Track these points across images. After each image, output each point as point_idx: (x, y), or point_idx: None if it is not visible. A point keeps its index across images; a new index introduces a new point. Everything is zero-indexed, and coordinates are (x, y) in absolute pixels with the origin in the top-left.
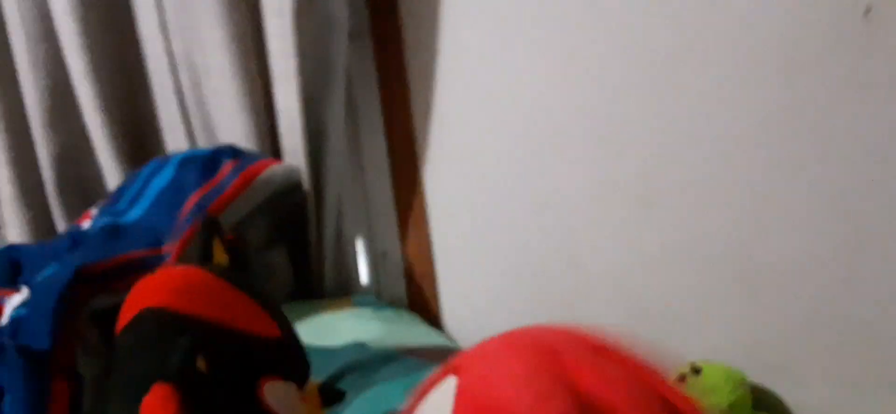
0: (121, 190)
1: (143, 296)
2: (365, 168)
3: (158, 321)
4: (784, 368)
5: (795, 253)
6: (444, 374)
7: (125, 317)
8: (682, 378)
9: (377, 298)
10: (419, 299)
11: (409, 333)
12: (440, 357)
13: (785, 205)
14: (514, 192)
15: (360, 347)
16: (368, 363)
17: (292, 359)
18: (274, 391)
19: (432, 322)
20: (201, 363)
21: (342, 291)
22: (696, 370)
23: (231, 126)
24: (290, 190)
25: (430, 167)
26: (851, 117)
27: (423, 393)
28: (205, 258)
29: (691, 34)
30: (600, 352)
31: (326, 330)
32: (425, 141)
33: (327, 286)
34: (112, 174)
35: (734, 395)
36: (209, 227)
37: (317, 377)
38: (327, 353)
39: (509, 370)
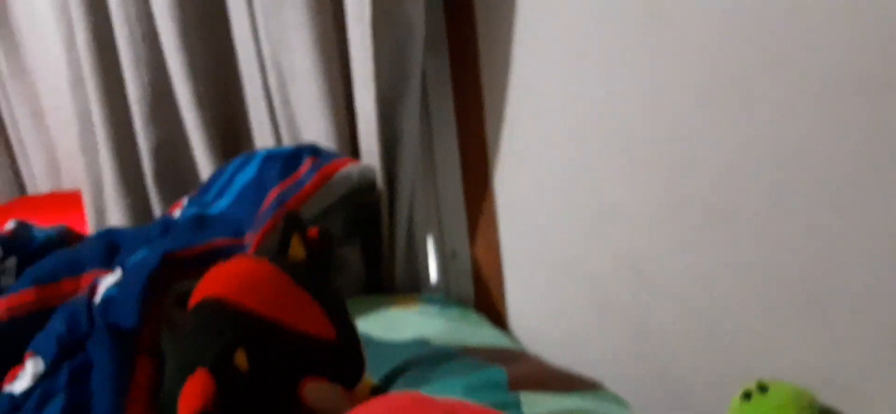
0: (209, 183)
1: (208, 284)
2: (437, 170)
3: (213, 310)
4: (854, 392)
5: (870, 277)
6: None
7: (192, 302)
8: (748, 395)
9: (445, 296)
10: (486, 300)
11: (474, 332)
12: (501, 358)
13: (861, 227)
14: (580, 201)
15: (422, 343)
16: (429, 360)
17: (344, 362)
18: (316, 392)
19: (498, 323)
20: (241, 357)
21: (412, 288)
22: (763, 388)
23: (313, 125)
24: (365, 188)
25: (500, 171)
26: None
27: None
28: (281, 252)
29: (766, 48)
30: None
31: (392, 324)
32: (496, 146)
33: (397, 283)
34: (205, 166)
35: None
36: (289, 221)
37: (379, 369)
38: (391, 346)
39: None
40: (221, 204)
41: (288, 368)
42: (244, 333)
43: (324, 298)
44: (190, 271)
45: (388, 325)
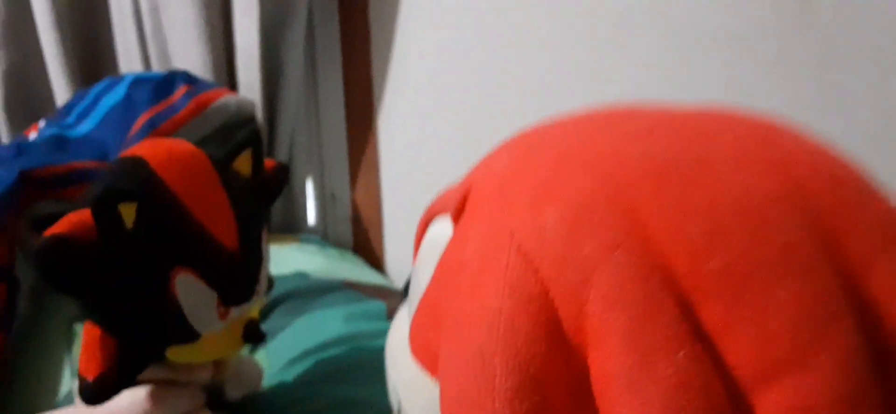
0: (70, 105)
1: (135, 148)
2: (320, 110)
3: (126, 162)
4: None
5: None
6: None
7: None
8: None
9: (323, 238)
10: (364, 244)
11: (352, 270)
12: (381, 293)
13: None
14: (461, 149)
15: (302, 276)
16: (309, 291)
17: (234, 277)
18: (186, 285)
19: (376, 267)
20: (129, 211)
21: (289, 229)
22: None
23: (188, 55)
24: (242, 122)
25: (384, 115)
26: (782, 97)
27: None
28: (226, 156)
29: (630, 9)
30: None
31: (271, 260)
32: (382, 89)
33: (274, 222)
34: (63, 95)
35: None
36: (249, 135)
37: None
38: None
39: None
40: (85, 127)
41: (171, 249)
42: (144, 190)
43: (243, 213)
44: (49, 192)
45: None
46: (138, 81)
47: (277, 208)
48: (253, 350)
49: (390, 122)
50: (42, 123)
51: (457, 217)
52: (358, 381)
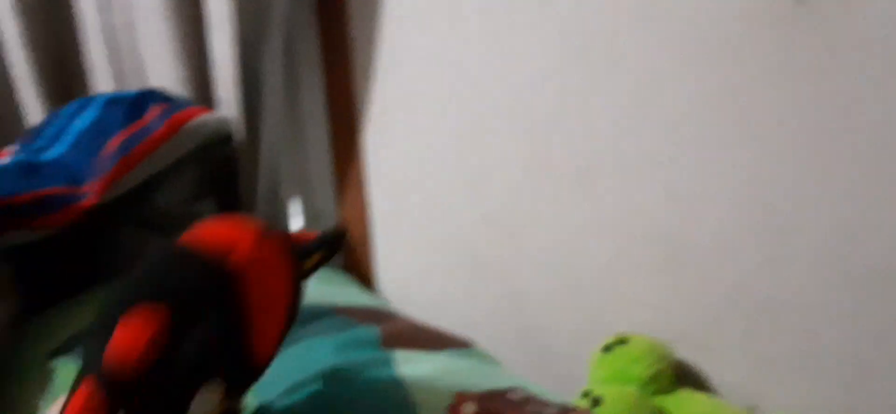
0: (40, 127)
1: (222, 229)
2: (303, 126)
3: (193, 258)
4: (707, 346)
5: (719, 233)
6: None
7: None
8: (609, 348)
9: None
10: (353, 263)
11: (342, 292)
12: (372, 317)
13: (709, 185)
14: (451, 161)
15: None
16: (299, 318)
17: (252, 382)
18: (207, 393)
19: (366, 285)
20: (161, 314)
21: None
22: (623, 341)
23: (163, 71)
24: (220, 141)
25: (370, 130)
26: (776, 102)
27: None
28: (304, 248)
29: (625, 15)
30: None
31: None
32: (366, 103)
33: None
34: (34, 114)
35: (657, 366)
36: (339, 236)
37: None
38: None
39: None
40: (56, 151)
41: (215, 365)
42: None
43: (291, 319)
44: (17, 222)
45: None
46: (111, 102)
47: None
48: None
49: (376, 135)
50: (11, 148)
51: None
52: None
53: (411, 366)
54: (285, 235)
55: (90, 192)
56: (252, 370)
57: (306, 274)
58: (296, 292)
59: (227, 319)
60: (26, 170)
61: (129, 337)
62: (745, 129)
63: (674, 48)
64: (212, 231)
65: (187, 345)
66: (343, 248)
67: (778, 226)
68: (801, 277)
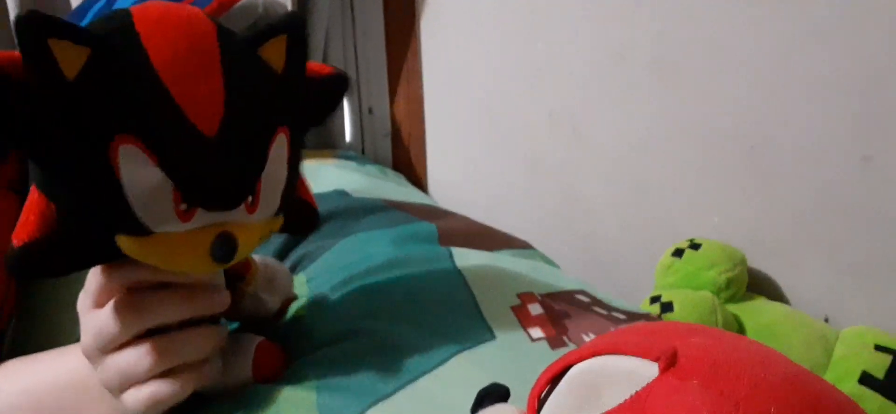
0: (85, 7)
1: (143, 4)
2: (356, 14)
3: (112, 13)
4: (784, 251)
5: (810, 130)
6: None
7: None
8: (680, 252)
9: (361, 155)
10: (405, 161)
11: (395, 189)
12: (428, 214)
13: (802, 79)
14: (514, 55)
15: (342, 194)
16: (351, 211)
17: (199, 166)
18: (131, 159)
19: (417, 186)
20: (73, 55)
21: (322, 145)
22: (695, 246)
23: None
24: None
25: (427, 19)
26: (840, 63)
27: None
28: (254, 37)
29: None
30: None
31: (308, 176)
32: None
33: (307, 138)
34: None
35: (732, 273)
36: (292, 21)
37: None
38: None
39: None
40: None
41: (119, 110)
42: (104, 38)
43: (241, 100)
44: None
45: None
46: None
47: None
48: (292, 272)
49: (435, 27)
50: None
51: (666, 367)
52: (406, 319)
53: (472, 263)
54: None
55: None
56: (187, 145)
57: (257, 42)
58: (237, 64)
59: (108, 54)
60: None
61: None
62: (846, 16)
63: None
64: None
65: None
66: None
67: (875, 123)
68: (892, 184)
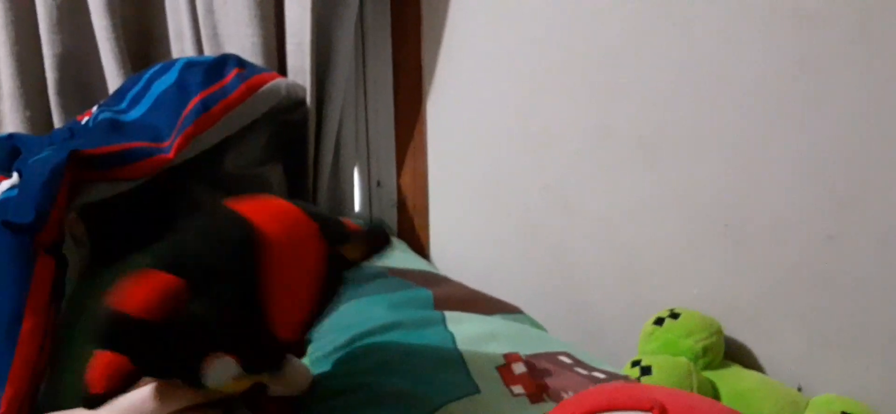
0: (122, 90)
1: (252, 205)
2: (369, 95)
3: (234, 222)
4: (758, 321)
5: (781, 210)
6: None
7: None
8: (661, 321)
9: (368, 224)
10: (409, 230)
11: (398, 257)
12: (426, 280)
13: (772, 161)
14: (511, 132)
15: None
16: (355, 278)
17: (271, 361)
18: (219, 365)
19: (420, 253)
20: (181, 292)
21: (334, 214)
22: (675, 315)
23: (239, 38)
24: (292, 106)
25: (433, 100)
26: (844, 77)
27: None
28: (340, 238)
29: None
30: None
31: None
32: (432, 73)
33: (319, 206)
34: (114, 79)
35: (708, 341)
36: (381, 233)
37: None
38: None
39: None
40: (137, 111)
41: (223, 340)
42: (226, 282)
43: (325, 301)
44: (97, 173)
45: None
46: (190, 65)
47: (323, 194)
48: None
49: (439, 107)
50: (95, 109)
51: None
52: (404, 373)
53: (463, 327)
54: (322, 220)
55: (170, 146)
56: (270, 349)
57: (347, 264)
58: (328, 278)
59: (241, 289)
60: (110, 127)
61: (136, 291)
62: (814, 105)
63: (746, 20)
64: (249, 206)
65: (197, 308)
66: (386, 247)
67: (838, 204)
68: (860, 256)
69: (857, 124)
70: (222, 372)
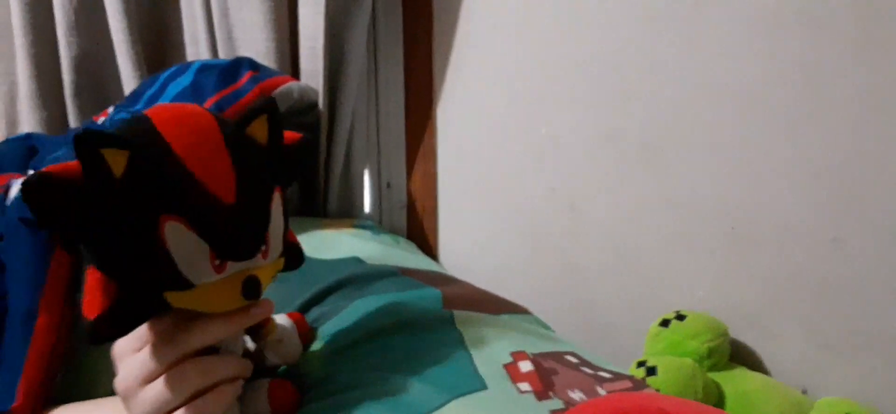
0: (139, 91)
1: (152, 108)
2: (380, 98)
3: (133, 118)
4: (763, 324)
5: (786, 213)
6: None
7: None
8: (666, 323)
9: (377, 225)
10: (418, 231)
11: (407, 257)
12: (435, 280)
13: (776, 164)
14: (519, 136)
15: (357, 261)
16: (364, 277)
17: (229, 229)
18: (175, 233)
19: (429, 254)
20: (119, 159)
21: (344, 215)
22: (681, 317)
23: (254, 42)
24: (304, 108)
25: (443, 104)
26: (847, 80)
27: None
28: (240, 123)
29: None
30: None
31: (326, 244)
32: (442, 77)
33: (330, 209)
34: (130, 82)
35: (713, 343)
36: (266, 102)
37: (312, 284)
38: (323, 263)
39: None
40: None
41: (160, 197)
42: (138, 140)
43: (246, 172)
44: None
45: (320, 244)
46: (205, 67)
47: (334, 195)
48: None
49: (449, 111)
50: (111, 109)
51: None
52: (408, 371)
53: (471, 325)
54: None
55: None
56: (216, 214)
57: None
58: (236, 143)
59: (142, 152)
60: None
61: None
62: (818, 109)
63: (750, 25)
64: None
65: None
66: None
67: (843, 207)
68: (865, 259)
69: (861, 127)
70: (182, 240)
